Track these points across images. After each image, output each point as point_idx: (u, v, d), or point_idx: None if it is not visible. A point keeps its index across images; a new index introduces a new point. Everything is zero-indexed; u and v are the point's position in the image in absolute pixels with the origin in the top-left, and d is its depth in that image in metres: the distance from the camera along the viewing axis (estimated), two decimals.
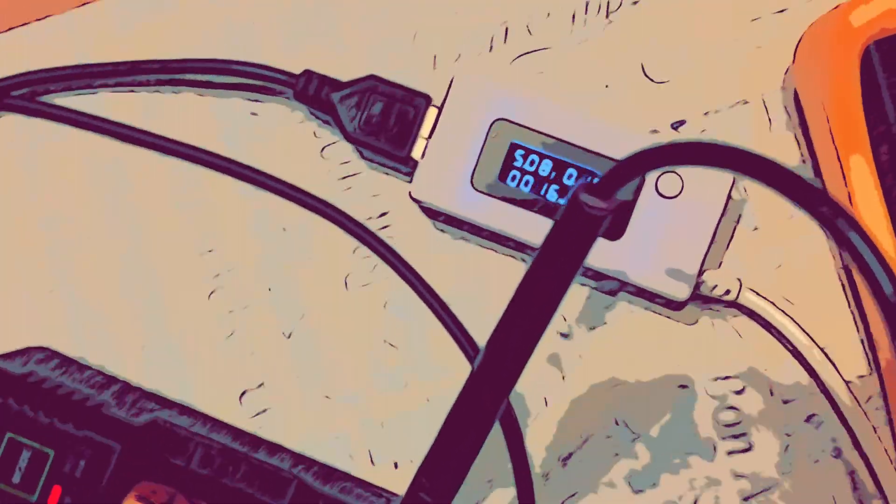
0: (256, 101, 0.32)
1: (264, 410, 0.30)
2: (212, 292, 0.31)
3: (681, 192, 0.29)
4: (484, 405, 0.23)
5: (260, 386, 0.31)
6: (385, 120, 0.30)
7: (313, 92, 0.30)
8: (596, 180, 0.21)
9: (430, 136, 0.30)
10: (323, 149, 0.32)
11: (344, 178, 0.32)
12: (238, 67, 0.31)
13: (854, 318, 0.30)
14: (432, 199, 0.30)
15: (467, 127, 0.30)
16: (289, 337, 0.31)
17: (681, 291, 0.29)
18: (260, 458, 0.28)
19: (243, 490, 0.27)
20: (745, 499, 0.30)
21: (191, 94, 0.32)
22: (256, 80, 0.31)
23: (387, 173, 0.31)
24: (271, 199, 0.32)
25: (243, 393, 0.30)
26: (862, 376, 0.30)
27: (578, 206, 0.21)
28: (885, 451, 0.29)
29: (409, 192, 0.30)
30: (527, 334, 0.22)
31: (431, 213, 0.31)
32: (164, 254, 0.32)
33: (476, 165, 0.30)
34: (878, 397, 0.30)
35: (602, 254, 0.29)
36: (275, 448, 0.29)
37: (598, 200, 0.20)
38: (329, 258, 0.31)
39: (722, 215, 0.29)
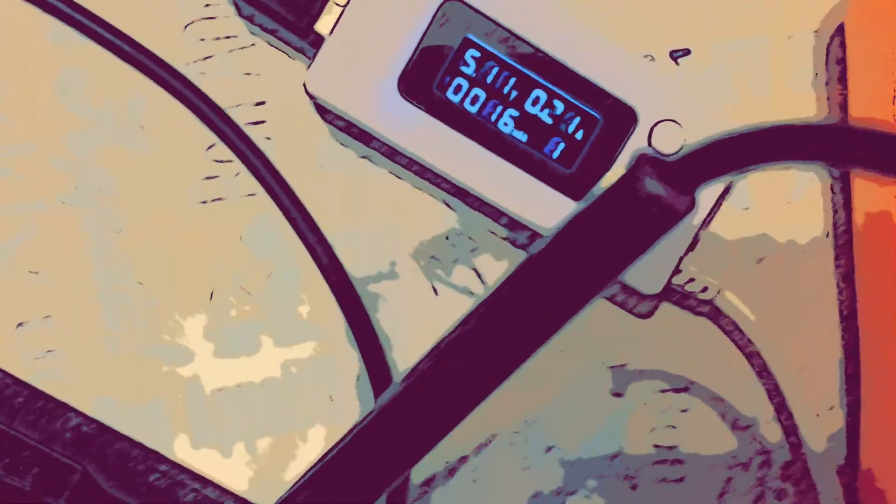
0: None
1: (49, 351, 0.23)
2: None
3: (681, 149, 0.22)
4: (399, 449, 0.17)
5: (45, 319, 0.23)
6: None
7: None
8: (665, 157, 0.13)
9: (346, 5, 0.21)
10: None
11: (209, 39, 0.23)
12: None
13: (841, 334, 0.24)
14: (335, 97, 0.22)
15: (404, 1, 0.21)
16: (94, 255, 0.23)
17: (652, 284, 0.22)
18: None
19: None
20: None
21: None
22: None
23: (276, 47, 0.23)
24: (97, 57, 0.23)
25: (20, 325, 0.23)
26: (832, 408, 0.25)
27: (642, 196, 0.13)
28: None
29: (304, 83, 0.22)
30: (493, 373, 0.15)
31: (330, 116, 0.23)
32: None
33: (409, 62, 0.21)
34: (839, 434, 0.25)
35: (555, 213, 0.21)
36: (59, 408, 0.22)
37: (673, 194, 0.13)
38: (171, 156, 0.23)
39: (726, 192, 0.22)
